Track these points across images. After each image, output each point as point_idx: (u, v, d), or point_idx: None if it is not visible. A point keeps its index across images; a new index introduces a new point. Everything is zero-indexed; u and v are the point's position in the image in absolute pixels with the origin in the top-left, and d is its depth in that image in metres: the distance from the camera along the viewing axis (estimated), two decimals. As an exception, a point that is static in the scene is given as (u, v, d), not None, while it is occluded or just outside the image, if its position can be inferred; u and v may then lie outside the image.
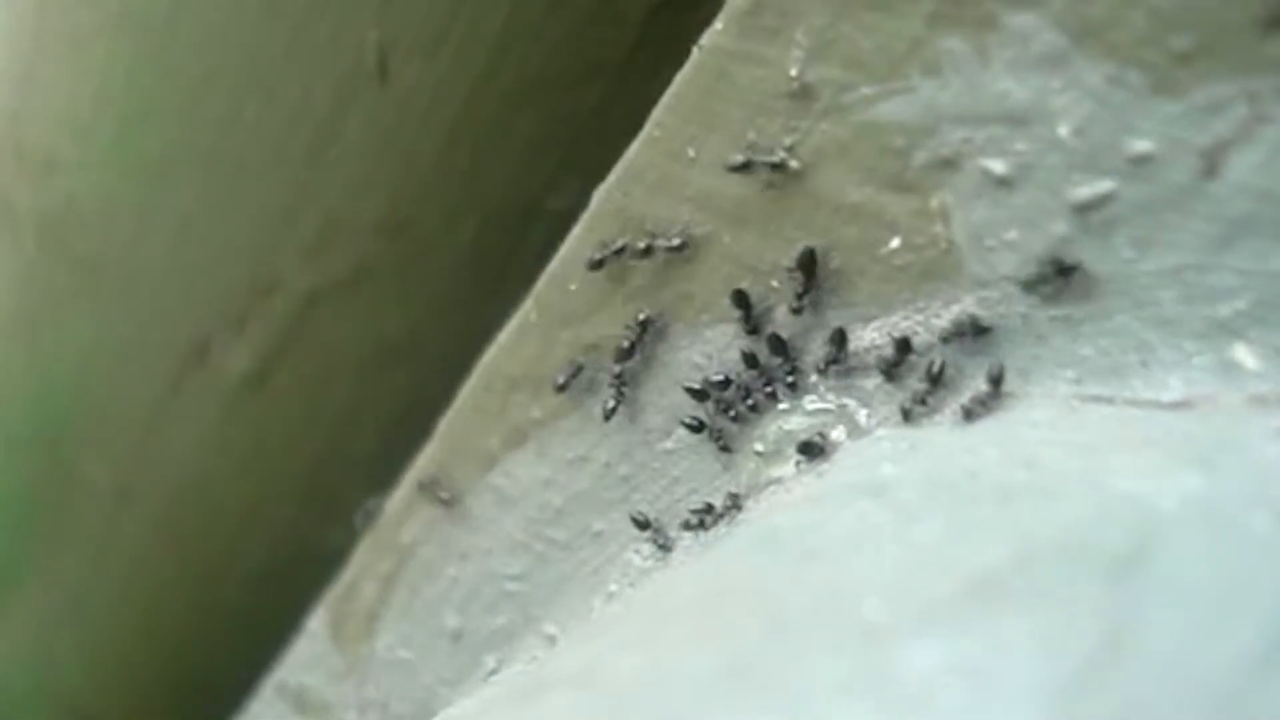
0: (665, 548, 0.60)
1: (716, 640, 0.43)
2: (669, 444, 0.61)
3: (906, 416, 0.51)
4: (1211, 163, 0.44)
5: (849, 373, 0.54)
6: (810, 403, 0.56)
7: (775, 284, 0.55)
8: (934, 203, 0.50)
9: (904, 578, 0.41)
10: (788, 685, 0.39)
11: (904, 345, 0.52)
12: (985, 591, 0.39)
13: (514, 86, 0.76)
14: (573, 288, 0.61)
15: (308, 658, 0.79)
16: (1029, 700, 0.35)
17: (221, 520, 0.96)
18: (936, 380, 0.51)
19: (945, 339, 0.51)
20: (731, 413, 0.57)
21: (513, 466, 0.67)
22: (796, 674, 0.39)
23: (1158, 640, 0.36)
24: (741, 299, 0.56)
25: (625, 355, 0.60)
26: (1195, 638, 0.36)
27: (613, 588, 0.63)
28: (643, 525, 0.61)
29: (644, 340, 0.60)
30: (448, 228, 0.82)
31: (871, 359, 0.53)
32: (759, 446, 0.57)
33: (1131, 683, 0.35)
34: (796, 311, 0.54)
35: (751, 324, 0.56)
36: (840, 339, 0.54)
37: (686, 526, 0.59)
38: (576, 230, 0.61)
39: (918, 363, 0.52)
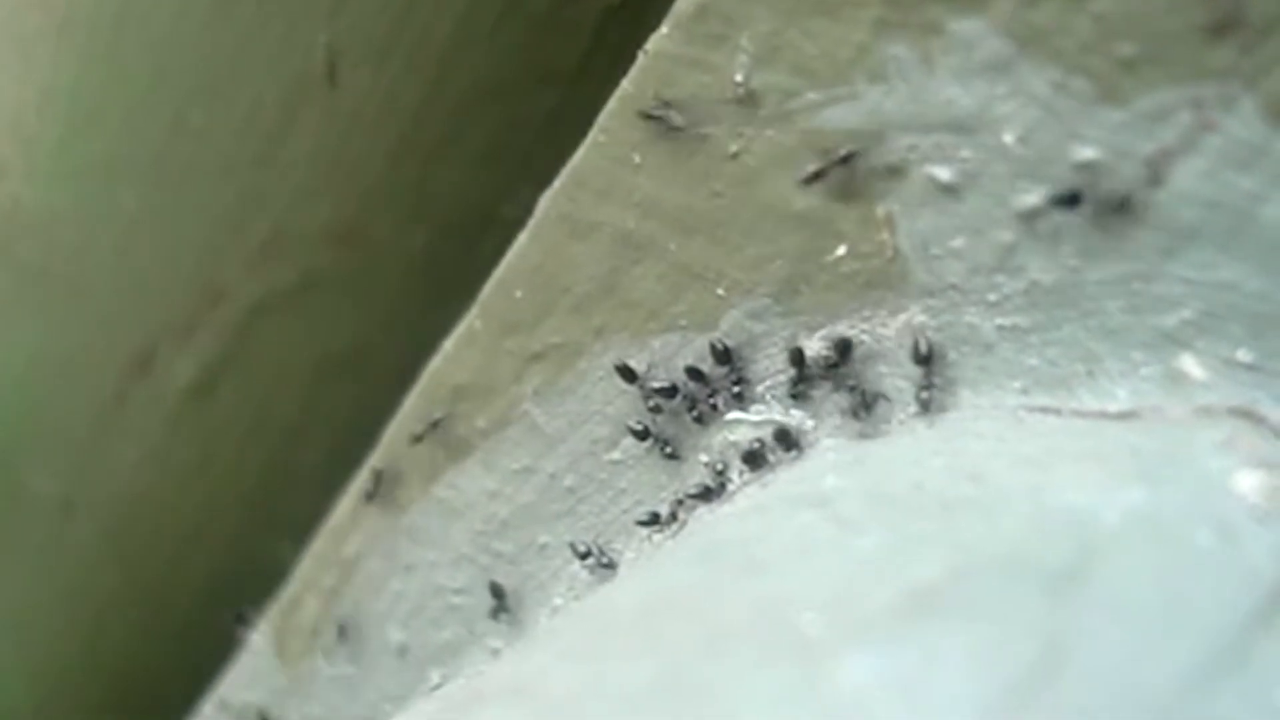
0: (608, 566, 0.59)
1: (654, 653, 0.42)
2: (615, 454, 0.60)
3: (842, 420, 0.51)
4: (1156, 171, 0.43)
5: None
6: (757, 412, 0.55)
7: (721, 292, 0.54)
8: (880, 211, 0.49)
9: (843, 591, 0.41)
10: (722, 698, 0.38)
11: (844, 346, 0.51)
12: (922, 605, 0.38)
13: (466, 93, 0.75)
14: (518, 295, 0.60)
15: (250, 674, 0.78)
16: (961, 714, 0.34)
17: (167, 532, 0.94)
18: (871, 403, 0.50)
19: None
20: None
21: (458, 478, 0.66)
22: (731, 687, 0.38)
23: (1096, 655, 0.35)
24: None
25: None
26: (1134, 653, 0.36)
27: (558, 601, 0.62)
28: (583, 555, 0.60)
29: None
30: (398, 236, 0.81)
31: (817, 369, 0.53)
32: (705, 456, 0.56)
33: (1068, 697, 0.34)
34: None
35: None
36: (799, 357, 0.53)
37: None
38: (522, 237, 0.60)
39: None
